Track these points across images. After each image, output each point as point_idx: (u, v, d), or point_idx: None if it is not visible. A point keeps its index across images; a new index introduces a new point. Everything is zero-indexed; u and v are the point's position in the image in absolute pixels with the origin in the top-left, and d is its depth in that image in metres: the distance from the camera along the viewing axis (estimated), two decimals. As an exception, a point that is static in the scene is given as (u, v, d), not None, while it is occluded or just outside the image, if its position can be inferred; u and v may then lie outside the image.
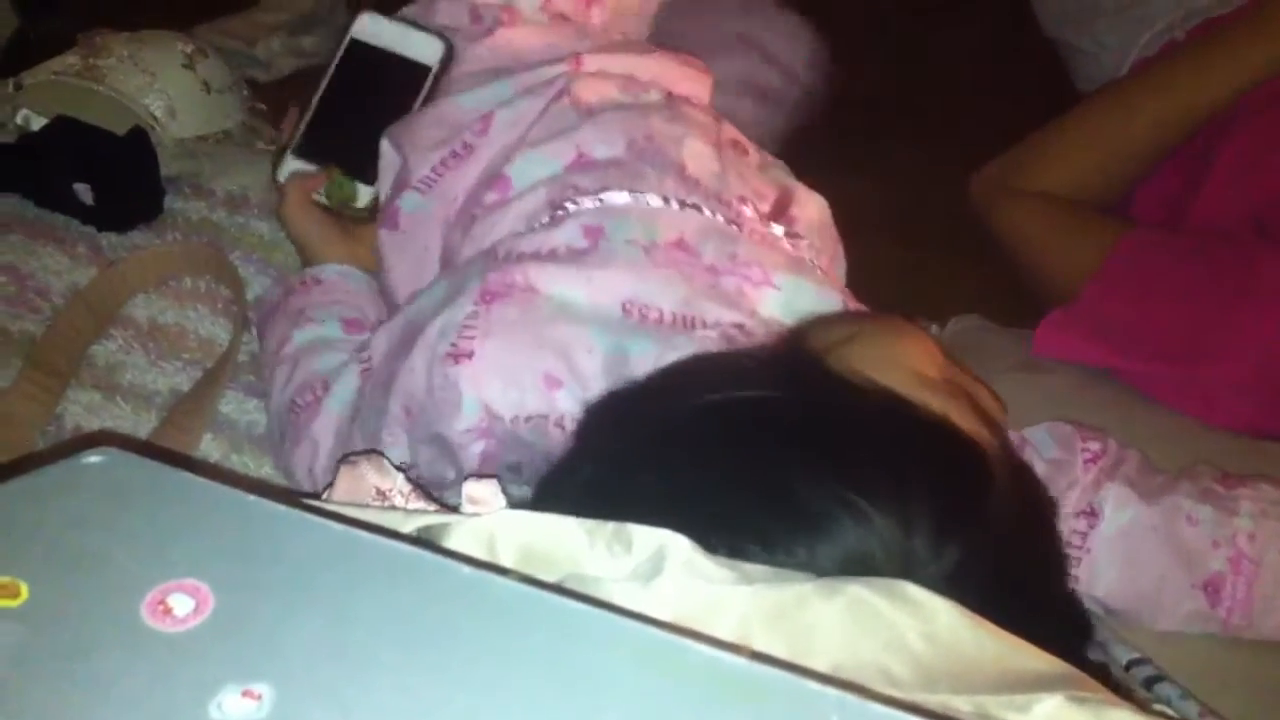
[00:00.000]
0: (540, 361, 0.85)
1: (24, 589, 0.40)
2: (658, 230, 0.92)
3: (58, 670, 0.38)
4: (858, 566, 0.58)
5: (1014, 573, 0.64)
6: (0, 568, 0.41)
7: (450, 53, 1.17)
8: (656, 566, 0.49)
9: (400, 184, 1.12)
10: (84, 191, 1.35)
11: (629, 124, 1.03)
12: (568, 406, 0.85)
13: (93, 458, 0.46)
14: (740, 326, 0.87)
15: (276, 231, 1.37)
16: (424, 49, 1.19)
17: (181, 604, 0.40)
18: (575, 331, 0.85)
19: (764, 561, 0.55)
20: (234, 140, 1.48)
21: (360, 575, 0.43)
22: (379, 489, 0.63)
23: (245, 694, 0.38)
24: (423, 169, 1.10)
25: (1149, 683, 0.86)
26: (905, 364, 0.75)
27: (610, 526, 0.51)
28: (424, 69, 1.17)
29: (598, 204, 0.94)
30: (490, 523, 0.51)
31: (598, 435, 0.76)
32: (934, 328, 1.21)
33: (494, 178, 1.04)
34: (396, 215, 1.12)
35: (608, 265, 0.89)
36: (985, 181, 1.43)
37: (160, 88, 1.41)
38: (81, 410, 1.17)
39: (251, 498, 0.46)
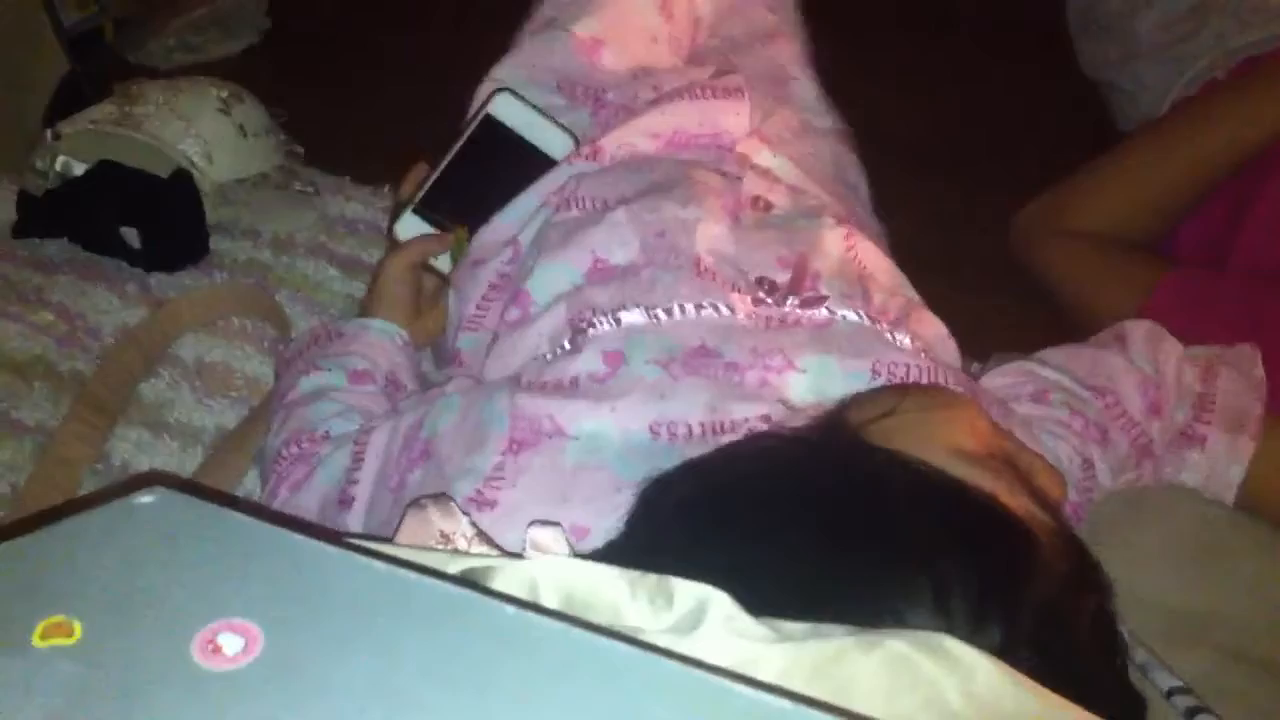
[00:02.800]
0: (567, 513, 0.81)
1: (78, 628, 0.41)
2: (677, 342, 0.91)
3: (111, 708, 0.39)
4: None
5: (1061, 653, 0.62)
6: (55, 607, 0.42)
7: (578, 147, 1.19)
8: (696, 621, 0.49)
9: (457, 323, 1.13)
10: (130, 235, 1.37)
11: (640, 221, 1.01)
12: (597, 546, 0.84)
13: (144, 498, 0.47)
14: (767, 418, 0.84)
15: (322, 271, 1.39)
16: (553, 141, 1.20)
17: (231, 643, 0.41)
18: (603, 477, 0.83)
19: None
20: (271, 183, 1.50)
21: (406, 615, 0.44)
22: (443, 532, 0.63)
23: (293, 733, 0.38)
24: (470, 306, 1.11)
25: (1190, 714, 0.85)
26: (946, 438, 0.72)
27: (652, 578, 0.51)
28: (549, 161, 1.18)
29: (615, 325, 0.93)
30: (533, 568, 0.51)
31: (651, 519, 0.73)
32: (975, 366, 1.20)
33: (515, 293, 1.03)
34: (459, 355, 1.12)
35: (630, 392, 0.87)
36: (1027, 221, 1.43)
37: (196, 133, 1.43)
38: (130, 447, 1.18)
39: (300, 538, 0.46)
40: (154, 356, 1.27)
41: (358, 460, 0.96)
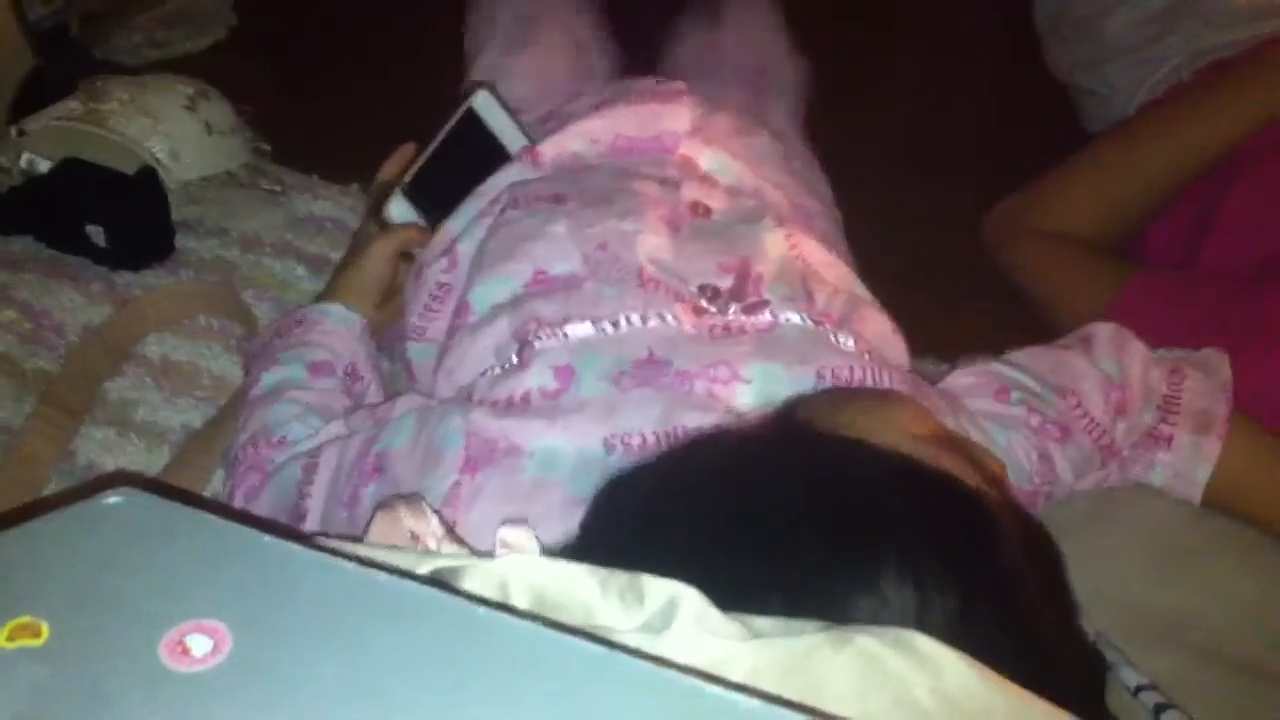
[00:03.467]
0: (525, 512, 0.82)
1: (45, 629, 0.41)
2: (625, 354, 0.91)
3: (78, 710, 0.39)
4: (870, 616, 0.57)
5: (1026, 620, 0.63)
6: (21, 608, 0.41)
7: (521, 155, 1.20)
8: (667, 619, 0.49)
9: (404, 329, 1.13)
10: (96, 233, 1.36)
11: (580, 235, 1.02)
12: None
13: (112, 498, 0.47)
14: (718, 429, 0.84)
15: (289, 270, 1.39)
16: (513, 143, 1.21)
17: (200, 644, 0.41)
18: (558, 495, 0.83)
19: (782, 614, 0.54)
20: (238, 181, 1.49)
21: (376, 615, 0.43)
22: (413, 531, 0.63)
23: (262, 734, 0.38)
24: (413, 314, 1.12)
25: (1157, 710, 0.86)
26: (897, 425, 0.74)
27: (623, 576, 0.51)
28: (507, 159, 1.20)
29: (563, 338, 0.93)
30: (504, 567, 0.51)
31: (608, 519, 0.73)
32: (943, 367, 1.21)
33: (459, 305, 1.04)
34: (410, 365, 1.14)
35: (583, 409, 0.87)
36: (996, 221, 1.44)
37: (163, 130, 1.43)
38: (95, 447, 1.17)
39: (268, 538, 0.46)
40: (120, 355, 1.26)
41: (309, 474, 0.96)
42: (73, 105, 1.43)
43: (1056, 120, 1.80)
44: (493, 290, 1.01)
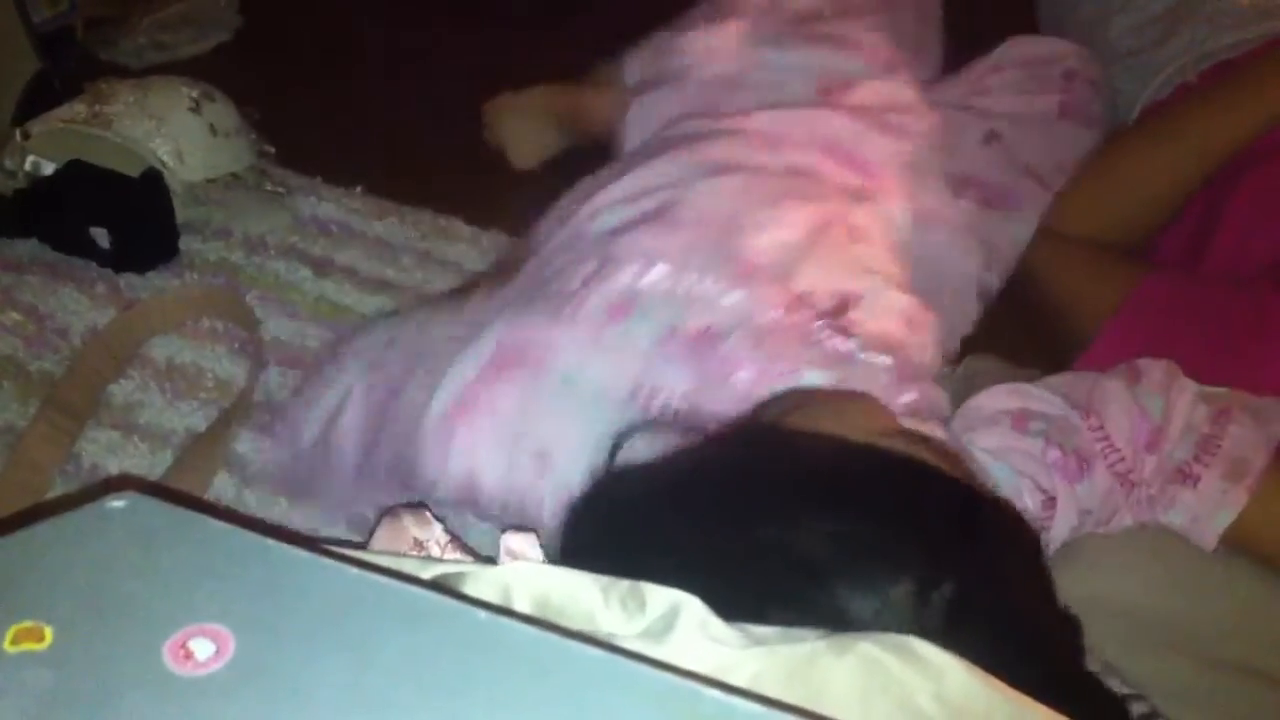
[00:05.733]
0: (533, 441, 0.86)
1: (49, 633, 0.41)
2: (686, 317, 0.92)
3: (82, 714, 0.39)
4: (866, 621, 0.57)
5: (1011, 598, 0.63)
6: (26, 612, 0.42)
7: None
8: (669, 626, 0.49)
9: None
10: (100, 235, 1.36)
11: (727, 195, 1.03)
12: (549, 489, 0.87)
13: (116, 502, 0.47)
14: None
15: (294, 272, 1.39)
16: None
17: (203, 648, 0.41)
18: (574, 413, 0.86)
19: (783, 622, 0.54)
20: (243, 183, 1.50)
21: (379, 620, 0.44)
22: (417, 539, 0.63)
23: (265, 738, 0.38)
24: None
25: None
26: (859, 420, 0.74)
27: (625, 584, 0.51)
28: None
29: (640, 274, 0.94)
30: (506, 573, 0.52)
31: (589, 530, 0.74)
32: (946, 369, 1.21)
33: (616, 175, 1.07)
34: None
35: (624, 348, 0.89)
36: None
37: (167, 132, 1.43)
38: (99, 449, 1.18)
39: (272, 542, 0.46)
40: (124, 358, 1.27)
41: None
42: (78, 108, 1.43)
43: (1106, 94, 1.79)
44: (620, 210, 1.04)
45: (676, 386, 0.87)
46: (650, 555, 0.63)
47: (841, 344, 0.96)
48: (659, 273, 0.94)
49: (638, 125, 1.24)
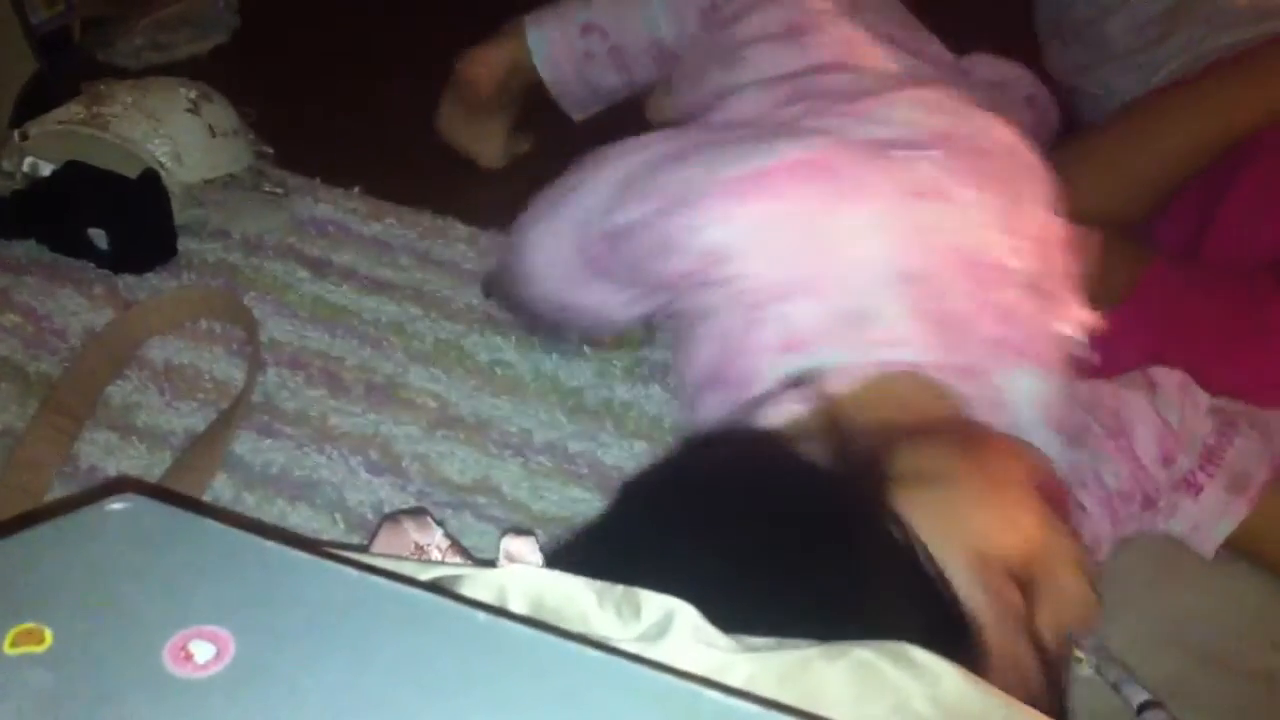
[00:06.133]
0: (810, 258, 0.85)
1: (49, 635, 0.41)
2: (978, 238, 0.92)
3: (82, 716, 0.39)
4: None
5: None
6: (26, 614, 0.42)
7: None
8: (663, 631, 0.49)
9: None
10: (98, 236, 1.36)
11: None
12: (804, 319, 0.85)
13: (116, 504, 0.47)
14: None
15: (292, 273, 1.39)
16: None
17: (203, 650, 0.41)
18: (855, 263, 0.85)
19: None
20: (241, 184, 1.49)
21: (377, 621, 0.44)
22: (418, 543, 0.63)
23: (265, 740, 0.38)
24: None
25: (1157, 729, 0.86)
26: (969, 538, 0.67)
27: (619, 589, 0.51)
28: None
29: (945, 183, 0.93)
30: (503, 576, 0.52)
31: (638, 517, 0.72)
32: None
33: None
34: None
35: (923, 230, 0.88)
36: None
37: (165, 133, 1.43)
38: (97, 450, 1.18)
39: (271, 544, 0.46)
40: (122, 359, 1.27)
41: None
42: (75, 109, 1.43)
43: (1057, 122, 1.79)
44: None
45: (954, 298, 0.87)
46: (674, 563, 0.63)
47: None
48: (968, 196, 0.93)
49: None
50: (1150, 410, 1.03)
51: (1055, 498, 0.76)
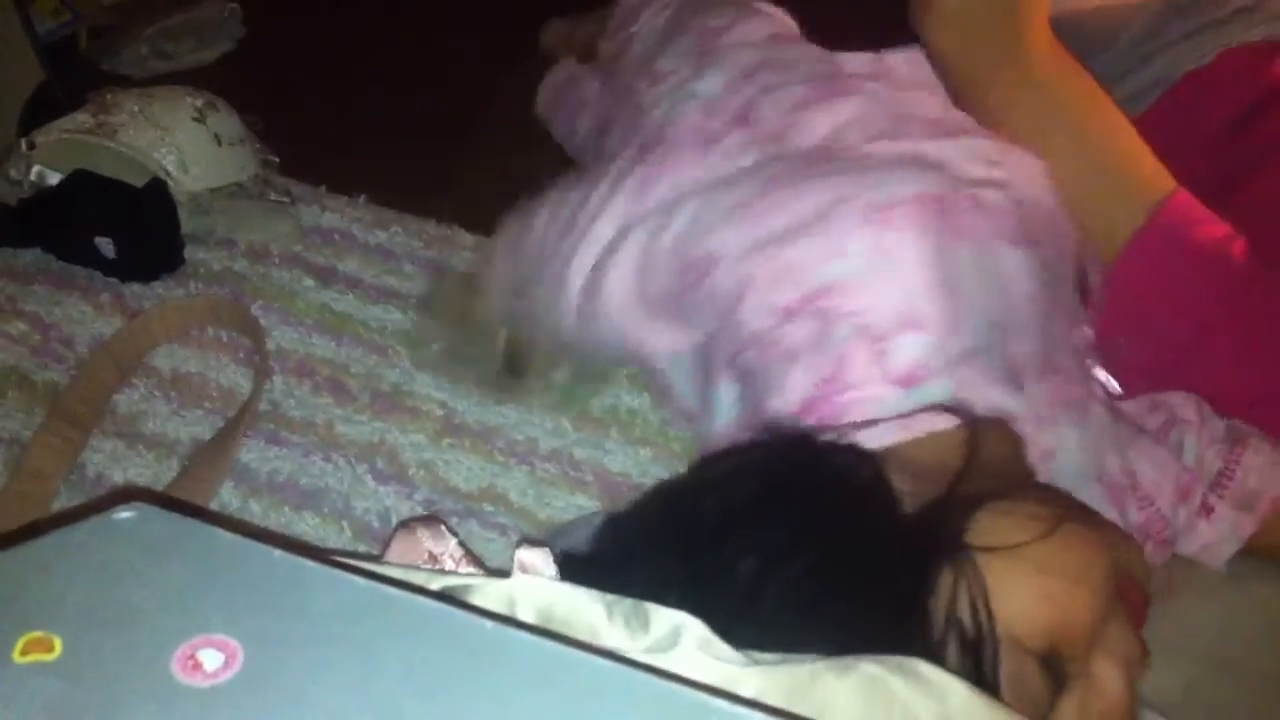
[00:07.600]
0: (929, 293, 0.85)
1: (58, 644, 0.41)
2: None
3: (91, 725, 0.39)
4: None
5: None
6: (34, 623, 0.42)
7: None
8: (672, 644, 0.49)
9: None
10: (105, 245, 1.37)
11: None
12: (915, 352, 0.85)
13: (124, 513, 0.47)
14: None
15: (298, 281, 1.39)
16: None
17: (211, 659, 0.41)
18: (968, 302, 0.86)
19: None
20: (247, 193, 1.50)
21: (386, 630, 0.44)
22: (431, 553, 0.63)
23: (274, 748, 0.38)
24: None
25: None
26: (1033, 619, 0.67)
27: (628, 602, 0.51)
28: None
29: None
30: (512, 586, 0.52)
31: (673, 534, 0.72)
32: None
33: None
34: None
35: (1014, 280, 0.91)
36: None
37: (172, 142, 1.43)
38: (104, 459, 1.18)
39: (280, 553, 0.46)
40: (128, 367, 1.27)
41: None
42: (82, 118, 1.43)
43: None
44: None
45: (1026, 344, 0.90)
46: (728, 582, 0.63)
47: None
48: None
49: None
50: (1164, 453, 1.02)
51: (1129, 595, 0.76)
